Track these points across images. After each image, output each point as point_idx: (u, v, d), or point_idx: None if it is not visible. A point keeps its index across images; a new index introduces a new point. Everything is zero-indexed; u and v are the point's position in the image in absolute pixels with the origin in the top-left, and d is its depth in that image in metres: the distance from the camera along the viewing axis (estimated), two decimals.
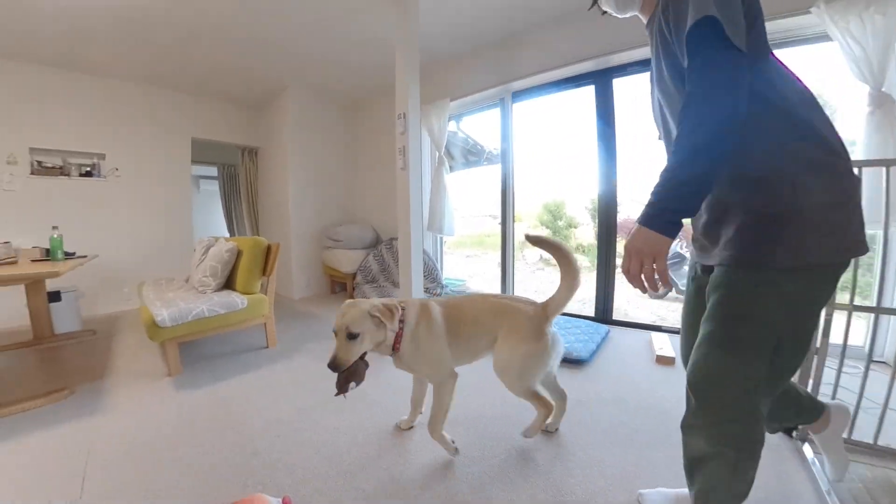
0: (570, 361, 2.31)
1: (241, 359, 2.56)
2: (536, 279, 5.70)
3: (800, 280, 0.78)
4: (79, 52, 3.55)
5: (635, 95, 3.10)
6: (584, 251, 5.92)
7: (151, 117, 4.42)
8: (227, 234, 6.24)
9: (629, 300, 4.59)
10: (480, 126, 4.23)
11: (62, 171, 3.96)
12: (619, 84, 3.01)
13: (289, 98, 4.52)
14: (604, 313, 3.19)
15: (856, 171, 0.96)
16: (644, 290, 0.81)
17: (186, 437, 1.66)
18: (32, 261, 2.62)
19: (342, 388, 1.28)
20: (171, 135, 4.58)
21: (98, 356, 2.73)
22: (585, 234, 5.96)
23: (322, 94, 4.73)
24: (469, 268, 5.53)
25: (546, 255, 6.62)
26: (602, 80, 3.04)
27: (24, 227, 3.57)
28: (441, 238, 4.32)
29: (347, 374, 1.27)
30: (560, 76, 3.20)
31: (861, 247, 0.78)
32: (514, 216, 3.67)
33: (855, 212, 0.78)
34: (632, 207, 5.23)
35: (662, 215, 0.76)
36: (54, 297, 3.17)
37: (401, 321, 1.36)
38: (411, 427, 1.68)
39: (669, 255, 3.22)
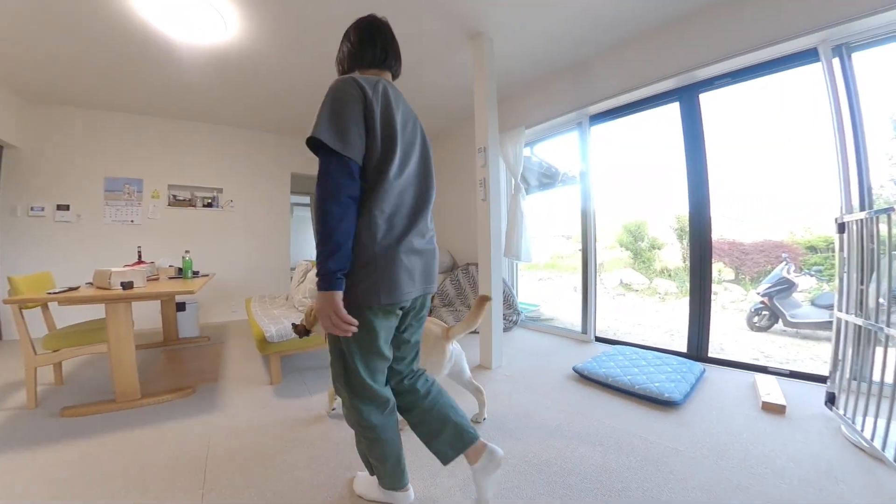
0: (661, 403, 2.11)
1: (330, 373, 2.75)
2: (616, 305, 5.36)
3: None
4: (206, 108, 4.34)
5: (726, 108, 2.89)
6: (669, 275, 5.39)
7: (259, 157, 5.16)
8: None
9: (726, 333, 4.13)
10: (555, 147, 4.22)
11: (190, 202, 4.73)
12: (707, 98, 2.86)
13: None
14: (697, 349, 2.87)
15: None
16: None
17: (287, 442, 1.83)
18: (170, 278, 3.14)
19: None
20: (274, 171, 5.29)
21: (213, 360, 3.15)
22: (671, 256, 5.48)
23: None
24: (542, 291, 5.38)
25: (626, 279, 6.18)
26: (687, 95, 2.90)
27: (162, 249, 4.30)
28: (516, 263, 4.32)
29: (299, 327, 1.82)
30: (641, 96, 3.12)
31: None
32: (595, 238, 3.55)
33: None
34: (727, 225, 4.73)
35: (329, 278, 1.01)
36: (180, 307, 3.78)
37: None
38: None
39: (776, 280, 2.87)
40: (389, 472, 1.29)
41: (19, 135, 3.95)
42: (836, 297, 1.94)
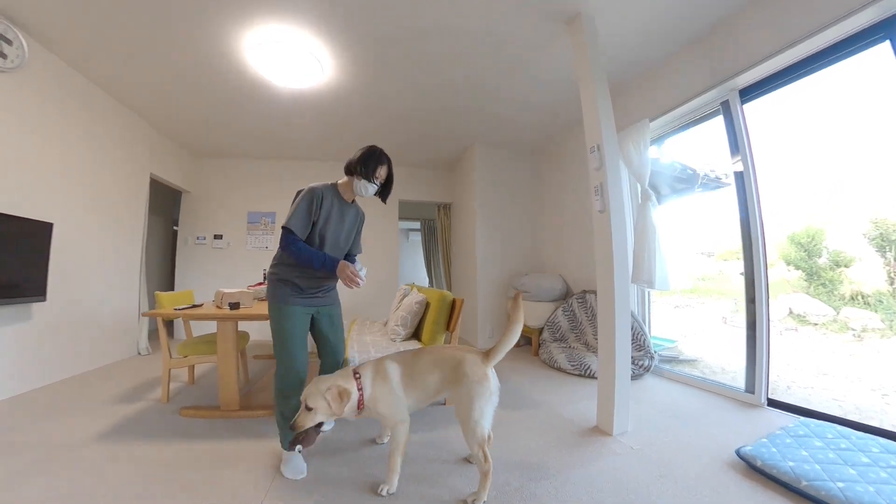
0: None
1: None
2: (786, 343, 3.84)
3: None
4: (320, 149, 5.06)
5: None
6: (866, 302, 3.71)
7: None
8: (427, 280, 6.91)
9: None
10: (692, 140, 3.35)
11: None
12: None
13: (475, 154, 4.80)
14: None
15: None
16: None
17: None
18: None
19: (293, 445, 1.62)
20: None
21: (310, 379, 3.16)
22: (868, 275, 3.77)
23: (505, 144, 4.84)
24: (680, 322, 4.25)
25: (798, 308, 4.53)
26: None
27: None
28: (648, 292, 3.51)
29: (301, 434, 1.56)
30: (816, 47, 2.19)
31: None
32: (764, 256, 2.60)
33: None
34: None
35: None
36: None
37: (359, 389, 1.59)
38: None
39: None
40: None
41: (190, 182, 5.14)
42: None
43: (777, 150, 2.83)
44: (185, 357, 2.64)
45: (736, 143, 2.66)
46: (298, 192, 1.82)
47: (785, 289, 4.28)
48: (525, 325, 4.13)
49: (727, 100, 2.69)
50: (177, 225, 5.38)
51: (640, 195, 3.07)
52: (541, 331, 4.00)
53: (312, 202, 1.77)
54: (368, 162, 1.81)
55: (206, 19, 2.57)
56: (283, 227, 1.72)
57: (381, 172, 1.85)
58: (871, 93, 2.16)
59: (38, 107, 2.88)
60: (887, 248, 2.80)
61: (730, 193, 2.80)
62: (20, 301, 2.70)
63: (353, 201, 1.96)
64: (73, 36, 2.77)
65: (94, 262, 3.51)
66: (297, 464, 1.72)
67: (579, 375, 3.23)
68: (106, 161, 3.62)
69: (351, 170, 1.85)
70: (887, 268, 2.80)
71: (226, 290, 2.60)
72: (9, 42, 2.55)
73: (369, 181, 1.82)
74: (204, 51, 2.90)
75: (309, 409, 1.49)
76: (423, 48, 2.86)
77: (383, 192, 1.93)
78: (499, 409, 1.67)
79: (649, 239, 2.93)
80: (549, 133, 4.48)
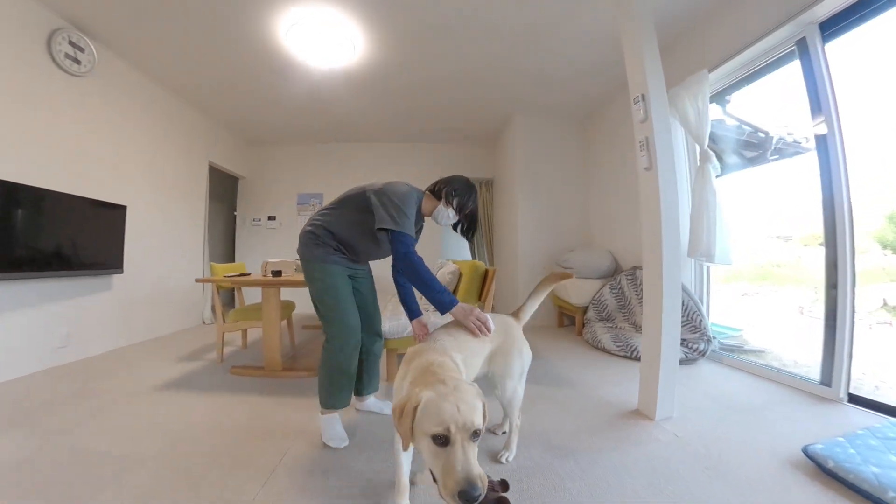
0: None
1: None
2: (877, 339, 3.26)
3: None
4: (363, 129, 5.11)
5: None
6: None
7: (413, 164, 5.67)
8: (471, 258, 6.87)
9: None
10: (760, 101, 2.88)
11: None
12: None
13: (515, 126, 4.62)
14: None
15: None
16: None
17: (360, 448, 1.64)
18: None
19: None
20: (426, 176, 5.61)
21: None
22: None
23: (548, 112, 4.58)
24: (747, 311, 3.79)
25: (894, 301, 3.81)
26: None
27: None
28: (707, 268, 3.17)
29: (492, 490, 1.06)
30: None
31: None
32: (852, 233, 2.15)
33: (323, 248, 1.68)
34: None
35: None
36: None
37: None
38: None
39: None
40: None
41: (246, 169, 5.60)
42: None
43: (869, 106, 2.34)
44: (237, 322, 2.86)
45: (817, 95, 2.22)
46: (382, 189, 1.64)
47: (880, 277, 3.64)
48: (569, 304, 3.96)
49: (804, 37, 2.24)
50: (236, 210, 5.82)
51: (698, 157, 2.73)
52: (585, 309, 3.79)
53: (415, 209, 1.67)
54: (463, 195, 1.68)
55: (251, 9, 2.71)
56: (396, 232, 1.54)
57: (469, 207, 1.73)
58: None
59: (108, 105, 3.22)
60: None
61: (812, 161, 2.38)
62: (103, 272, 3.10)
63: (424, 217, 1.84)
64: (135, 39, 3.07)
65: (162, 241, 3.90)
66: (337, 430, 1.65)
67: (624, 357, 3.03)
68: (169, 151, 4.01)
69: (439, 195, 1.70)
70: None
71: (270, 260, 2.73)
72: (81, 49, 2.87)
73: (458, 213, 1.70)
74: (250, 42, 3.08)
75: (476, 435, 0.87)
76: (456, 12, 2.73)
77: (466, 226, 1.78)
78: (531, 388, 1.61)
79: (709, 206, 2.62)
80: (597, 98, 4.17)
